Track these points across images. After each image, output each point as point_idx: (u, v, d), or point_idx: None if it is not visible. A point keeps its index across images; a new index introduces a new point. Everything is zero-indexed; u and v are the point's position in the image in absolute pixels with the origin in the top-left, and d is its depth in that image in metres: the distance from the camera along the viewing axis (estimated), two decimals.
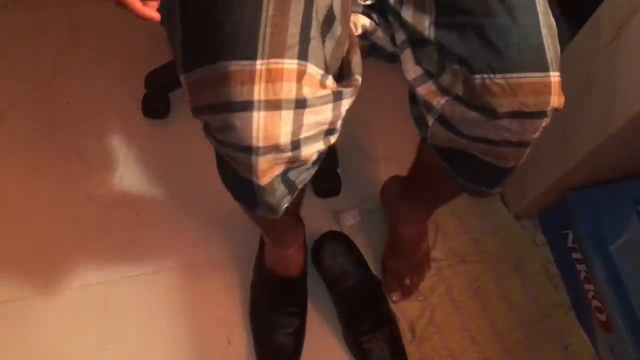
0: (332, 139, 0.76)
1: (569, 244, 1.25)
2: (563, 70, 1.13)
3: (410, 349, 1.21)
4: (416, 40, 0.78)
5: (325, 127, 0.73)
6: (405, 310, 1.25)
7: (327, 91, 0.71)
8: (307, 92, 0.68)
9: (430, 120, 0.80)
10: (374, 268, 1.26)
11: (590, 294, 1.20)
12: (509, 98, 0.71)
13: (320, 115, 0.71)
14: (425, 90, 0.78)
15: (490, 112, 0.73)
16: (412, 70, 0.79)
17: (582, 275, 1.22)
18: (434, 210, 1.19)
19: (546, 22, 0.74)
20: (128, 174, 1.35)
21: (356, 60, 0.77)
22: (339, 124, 0.75)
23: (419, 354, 1.21)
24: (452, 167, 0.87)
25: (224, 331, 1.21)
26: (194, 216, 1.31)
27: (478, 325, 1.25)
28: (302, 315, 1.20)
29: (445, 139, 0.82)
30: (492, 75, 0.71)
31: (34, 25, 1.49)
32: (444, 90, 0.76)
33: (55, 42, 1.48)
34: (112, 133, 1.38)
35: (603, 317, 1.17)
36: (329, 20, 0.73)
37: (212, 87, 0.68)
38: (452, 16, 0.74)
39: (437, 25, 0.75)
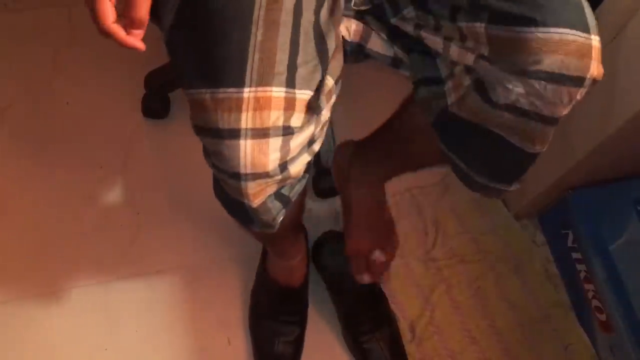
0: (316, 147, 0.75)
1: (569, 243, 1.25)
2: None
3: (410, 349, 1.21)
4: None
5: (307, 141, 0.73)
6: (405, 311, 1.25)
7: (312, 114, 0.71)
8: (295, 119, 0.68)
9: (465, 84, 0.75)
10: None
11: (590, 294, 1.20)
12: (550, 55, 0.65)
13: (304, 135, 0.71)
14: (456, 52, 0.74)
15: (524, 71, 0.66)
16: (435, 41, 0.77)
17: (582, 275, 1.22)
18: (392, 176, 1.09)
19: None
20: (128, 174, 1.35)
21: (334, 64, 0.75)
22: (319, 132, 0.74)
23: (418, 354, 1.21)
24: (467, 162, 0.82)
25: (224, 331, 1.21)
26: (194, 216, 1.31)
27: (478, 325, 1.25)
28: (302, 324, 1.20)
29: (472, 109, 0.75)
30: (533, 29, 0.65)
31: (34, 25, 1.49)
32: (471, 51, 0.72)
33: (55, 41, 1.47)
34: (111, 133, 1.38)
35: (603, 317, 1.17)
36: (320, 40, 0.72)
37: (203, 111, 0.69)
38: None
39: None
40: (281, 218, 0.79)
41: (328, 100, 0.73)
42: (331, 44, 0.73)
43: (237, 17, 0.67)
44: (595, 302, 1.19)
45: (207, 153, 0.72)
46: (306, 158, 0.74)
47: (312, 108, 0.70)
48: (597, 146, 1.06)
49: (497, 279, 1.30)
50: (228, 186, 0.73)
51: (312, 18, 0.71)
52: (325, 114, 0.74)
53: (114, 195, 1.32)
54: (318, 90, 0.71)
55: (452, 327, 1.24)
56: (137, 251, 1.27)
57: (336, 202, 1.34)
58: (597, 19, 1.02)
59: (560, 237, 1.27)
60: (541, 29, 0.64)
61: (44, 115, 1.39)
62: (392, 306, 1.24)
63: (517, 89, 0.67)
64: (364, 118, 1.38)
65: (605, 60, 1.01)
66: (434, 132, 0.82)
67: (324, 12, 0.73)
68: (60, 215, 1.29)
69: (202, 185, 1.31)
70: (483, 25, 0.69)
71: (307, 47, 0.70)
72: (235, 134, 0.66)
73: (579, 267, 1.22)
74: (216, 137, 0.68)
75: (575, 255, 1.23)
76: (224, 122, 0.66)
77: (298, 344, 1.18)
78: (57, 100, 1.41)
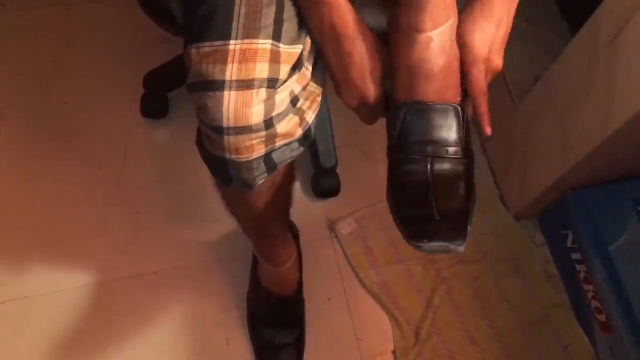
0: (304, 107, 0.75)
1: (569, 244, 1.24)
2: (563, 69, 1.13)
3: (413, 352, 1.20)
4: None
5: (290, 97, 0.72)
6: (409, 316, 1.24)
7: (294, 69, 0.71)
8: (281, 73, 0.68)
9: None
10: (372, 275, 1.26)
11: (590, 294, 1.20)
12: None
13: (288, 90, 0.71)
14: None
15: None
16: None
17: (582, 275, 1.21)
18: None
19: None
20: (127, 174, 1.34)
21: None
22: (302, 91, 0.74)
23: (418, 355, 1.21)
24: None
25: (223, 331, 1.21)
26: (192, 216, 1.31)
27: (477, 325, 1.25)
28: (301, 326, 1.19)
29: None
30: None
31: (33, 25, 1.49)
32: None
33: (53, 41, 1.47)
34: (110, 133, 1.38)
35: (602, 318, 1.17)
36: None
37: (192, 66, 0.69)
38: None
39: None
40: (261, 181, 0.78)
41: (308, 57, 0.73)
42: None
43: None
44: (594, 303, 1.19)
45: (196, 109, 0.72)
46: (293, 118, 0.73)
47: (295, 63, 0.71)
48: (596, 146, 1.06)
49: (497, 280, 1.30)
50: (211, 141, 0.72)
51: None
52: (307, 73, 0.73)
53: (112, 195, 1.32)
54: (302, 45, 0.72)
55: (451, 328, 1.24)
56: (136, 251, 1.27)
57: (333, 205, 1.34)
58: (597, 19, 1.03)
59: (560, 237, 1.27)
60: None
61: (42, 115, 1.39)
62: (395, 312, 1.24)
63: None
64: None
65: (605, 60, 1.01)
66: None
67: None
68: (59, 215, 1.29)
69: (200, 185, 1.31)
70: None
71: (291, 3, 0.71)
72: (219, 85, 0.66)
73: (579, 267, 1.22)
74: (201, 90, 0.68)
75: (574, 255, 1.23)
76: (209, 73, 0.67)
77: (299, 346, 1.18)
78: (56, 100, 1.41)
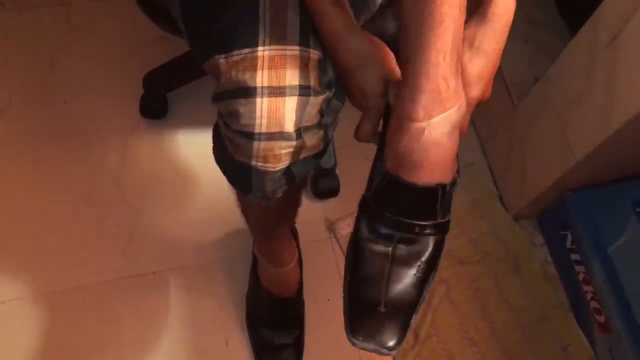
0: (327, 123, 0.75)
1: (568, 245, 1.24)
2: (563, 70, 1.13)
3: (411, 353, 1.20)
4: None
5: (320, 109, 0.72)
6: None
7: (327, 77, 0.70)
8: (312, 79, 0.68)
9: None
10: None
11: (589, 295, 1.20)
12: None
13: (320, 99, 0.70)
14: None
15: None
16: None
17: (581, 276, 1.21)
18: None
19: None
20: (126, 174, 1.34)
21: None
22: (326, 106, 0.74)
23: (418, 357, 1.21)
24: None
25: (222, 332, 1.21)
26: (192, 216, 1.31)
27: (477, 326, 1.25)
28: (300, 327, 1.19)
29: None
30: None
31: (32, 24, 1.49)
32: None
33: (53, 41, 1.47)
34: (110, 133, 1.38)
35: (602, 318, 1.17)
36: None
37: (220, 76, 0.68)
38: None
39: None
40: (280, 194, 0.78)
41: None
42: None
43: None
44: (594, 304, 1.19)
45: (223, 116, 0.71)
46: (318, 132, 0.73)
47: (323, 71, 0.70)
48: (596, 147, 1.06)
49: (496, 280, 1.30)
50: (237, 147, 0.70)
51: None
52: (332, 89, 0.73)
53: (112, 195, 1.32)
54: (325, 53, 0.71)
55: (451, 328, 1.24)
56: (135, 251, 1.27)
57: (333, 205, 1.34)
58: (597, 19, 1.03)
59: (559, 238, 1.27)
60: None
61: (42, 115, 1.39)
62: None
63: None
64: None
65: (605, 60, 1.01)
66: None
67: None
68: (58, 215, 1.29)
69: (200, 186, 1.31)
70: None
71: None
72: (251, 92, 0.66)
73: (578, 268, 1.22)
74: (231, 98, 0.67)
75: (574, 256, 1.23)
76: (239, 81, 0.66)
77: (299, 347, 1.18)
78: (55, 100, 1.41)
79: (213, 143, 0.78)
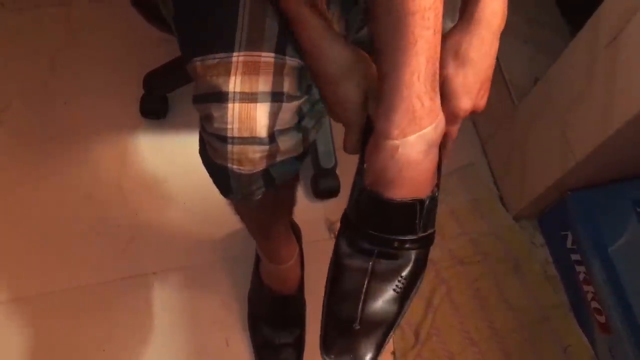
0: (308, 125, 0.74)
1: (568, 245, 1.24)
2: (563, 70, 1.13)
3: (412, 353, 1.20)
4: None
5: (296, 113, 0.72)
6: (409, 317, 1.24)
7: (300, 84, 0.70)
8: (285, 86, 0.68)
9: None
10: None
11: (590, 296, 1.19)
12: None
13: (293, 105, 0.70)
14: None
15: None
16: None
17: (581, 276, 1.21)
18: None
19: None
20: (126, 175, 1.34)
21: None
22: (309, 109, 0.74)
23: (418, 357, 1.21)
24: None
25: (222, 332, 1.21)
26: (192, 216, 1.31)
27: (477, 326, 1.25)
28: (301, 326, 1.19)
29: None
30: None
31: (32, 25, 1.49)
32: None
33: (53, 41, 1.47)
34: (110, 133, 1.38)
35: (602, 319, 1.17)
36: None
37: (196, 79, 0.69)
38: None
39: None
40: (259, 195, 0.78)
41: None
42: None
43: None
44: (594, 304, 1.19)
45: (201, 119, 0.71)
46: (296, 135, 0.72)
47: (301, 77, 0.70)
48: (596, 147, 1.06)
49: (497, 281, 1.30)
50: (214, 150, 0.71)
51: None
52: (316, 91, 0.73)
53: (112, 195, 1.32)
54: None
55: (451, 329, 1.24)
56: (135, 251, 1.27)
57: (333, 206, 1.33)
58: (597, 19, 1.03)
59: (560, 238, 1.27)
60: None
61: (42, 116, 1.39)
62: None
63: None
64: None
65: (605, 60, 1.01)
66: None
67: None
68: (59, 215, 1.29)
69: (200, 186, 1.31)
70: None
71: None
72: (223, 97, 0.66)
73: (578, 268, 1.22)
74: (206, 101, 0.68)
75: (574, 256, 1.23)
76: (213, 85, 0.67)
77: (299, 347, 1.18)
78: (55, 100, 1.41)
79: (199, 148, 0.78)
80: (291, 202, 1.02)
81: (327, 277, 0.72)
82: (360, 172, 0.70)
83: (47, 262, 1.24)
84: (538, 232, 1.35)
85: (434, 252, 1.30)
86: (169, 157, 1.37)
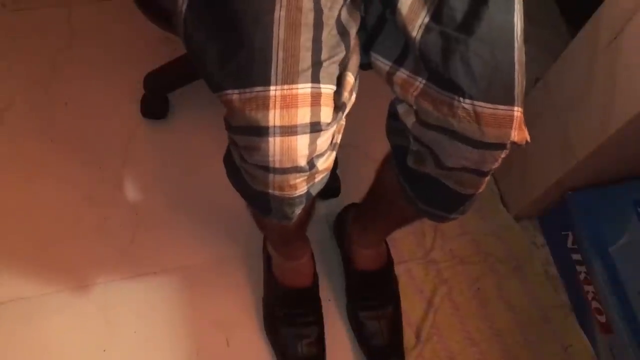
0: (338, 141, 0.77)
1: (569, 245, 1.24)
2: (563, 70, 1.14)
3: (413, 353, 1.20)
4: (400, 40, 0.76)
5: (332, 137, 0.74)
6: (409, 317, 1.24)
7: (337, 110, 0.72)
8: (323, 115, 0.69)
9: (415, 149, 0.79)
10: None
11: (590, 295, 1.20)
12: (472, 124, 0.72)
13: (331, 131, 0.72)
14: (400, 79, 0.77)
15: (451, 133, 0.73)
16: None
17: (582, 276, 1.21)
18: (385, 237, 1.20)
19: (520, 58, 0.74)
20: (127, 175, 1.34)
21: (354, 61, 0.76)
22: (338, 128, 0.76)
23: (418, 355, 1.21)
24: (413, 190, 0.86)
25: (223, 332, 1.21)
26: (192, 216, 1.31)
27: (478, 326, 1.25)
28: (319, 321, 1.19)
29: (426, 170, 0.81)
30: (460, 99, 0.70)
31: (33, 25, 1.49)
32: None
33: (54, 42, 1.47)
34: (111, 134, 1.38)
35: (603, 319, 1.17)
36: (341, 37, 0.73)
37: (233, 111, 0.70)
38: (444, 25, 0.72)
39: (427, 28, 0.73)
40: (299, 212, 0.80)
41: (350, 96, 0.74)
42: (352, 41, 0.75)
43: (258, 18, 0.68)
44: (595, 304, 1.19)
45: (240, 148, 0.73)
46: (331, 154, 0.75)
47: (337, 104, 0.72)
48: (597, 147, 1.06)
49: (497, 281, 1.30)
50: (253, 177, 0.73)
51: (334, 15, 0.72)
52: (346, 110, 0.75)
53: (113, 195, 1.32)
54: (340, 86, 0.72)
55: (451, 329, 1.24)
56: (136, 251, 1.27)
57: (333, 206, 1.33)
58: (597, 19, 1.03)
59: (560, 238, 1.27)
60: (467, 101, 0.70)
61: (43, 116, 1.39)
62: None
63: (446, 149, 0.74)
64: (363, 118, 1.38)
65: (605, 60, 1.01)
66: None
67: (344, 10, 0.74)
68: (60, 216, 1.29)
69: (201, 186, 1.31)
70: (423, 81, 0.73)
71: (329, 43, 0.71)
72: (264, 131, 0.67)
73: (579, 268, 1.22)
74: (245, 134, 0.69)
75: (575, 256, 1.23)
76: (252, 120, 0.68)
77: (321, 342, 1.17)
78: (56, 101, 1.41)
79: (226, 169, 0.81)
80: (312, 213, 1.04)
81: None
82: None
83: (47, 262, 1.24)
84: (539, 232, 1.35)
85: (435, 252, 1.30)
86: (170, 156, 1.37)
